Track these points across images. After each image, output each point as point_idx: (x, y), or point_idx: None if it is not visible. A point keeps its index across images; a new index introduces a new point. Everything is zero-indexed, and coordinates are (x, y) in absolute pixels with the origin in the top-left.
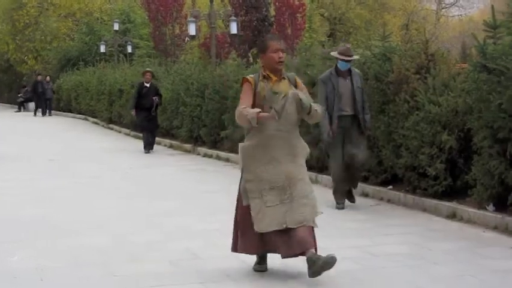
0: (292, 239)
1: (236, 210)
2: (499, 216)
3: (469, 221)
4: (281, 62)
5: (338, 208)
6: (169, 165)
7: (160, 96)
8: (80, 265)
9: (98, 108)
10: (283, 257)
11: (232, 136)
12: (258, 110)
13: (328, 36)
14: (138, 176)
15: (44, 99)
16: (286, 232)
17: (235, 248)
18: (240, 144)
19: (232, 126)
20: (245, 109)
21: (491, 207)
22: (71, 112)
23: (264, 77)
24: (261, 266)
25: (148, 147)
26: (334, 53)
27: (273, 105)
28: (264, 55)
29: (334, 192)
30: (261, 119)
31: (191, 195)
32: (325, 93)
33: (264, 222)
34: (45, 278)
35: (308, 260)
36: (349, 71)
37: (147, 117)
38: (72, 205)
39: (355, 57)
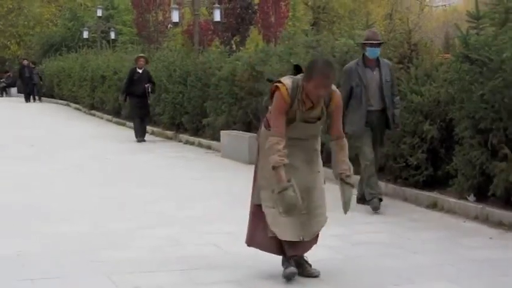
0: (300, 243)
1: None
2: (479, 206)
3: (450, 211)
4: (320, 97)
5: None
6: (151, 151)
7: (153, 83)
8: (61, 252)
9: (80, 94)
10: (288, 257)
11: (214, 123)
12: (283, 163)
13: (311, 25)
14: (120, 163)
15: (31, 85)
16: None
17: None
18: (263, 144)
19: (214, 113)
20: (276, 145)
21: (472, 197)
22: (53, 98)
23: (299, 99)
24: (290, 270)
25: (140, 135)
26: (359, 41)
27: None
28: (306, 83)
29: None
30: (278, 177)
31: (173, 183)
32: (349, 86)
33: (280, 228)
34: (26, 264)
35: (296, 261)
36: (378, 61)
37: (139, 104)
38: (53, 192)
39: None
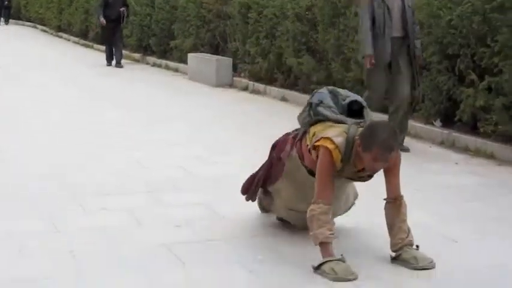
0: None
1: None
2: (445, 131)
3: (416, 136)
4: (376, 171)
5: None
6: (117, 74)
7: (127, 6)
8: (26, 175)
9: (47, 16)
10: None
11: (181, 46)
12: (333, 238)
13: None
14: (86, 85)
15: (3, 8)
16: None
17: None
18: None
19: (181, 36)
20: (324, 216)
21: (438, 122)
22: (20, 20)
23: (350, 163)
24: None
25: (111, 59)
26: None
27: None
28: (363, 152)
29: None
30: (326, 253)
31: (140, 105)
32: (371, 8)
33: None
34: None
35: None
36: None
37: (112, 30)
38: (19, 114)
39: None
